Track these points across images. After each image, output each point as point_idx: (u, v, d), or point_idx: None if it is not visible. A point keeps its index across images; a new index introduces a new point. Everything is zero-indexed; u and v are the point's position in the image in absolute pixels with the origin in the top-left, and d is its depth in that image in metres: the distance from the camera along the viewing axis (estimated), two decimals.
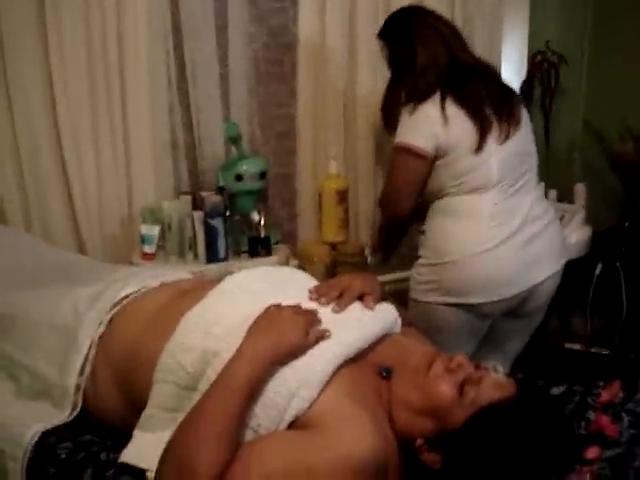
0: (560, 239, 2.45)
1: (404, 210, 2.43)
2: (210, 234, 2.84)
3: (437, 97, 2.27)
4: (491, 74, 2.41)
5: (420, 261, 2.40)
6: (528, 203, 2.33)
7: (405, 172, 2.35)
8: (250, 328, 1.45)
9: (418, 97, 2.29)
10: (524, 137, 2.36)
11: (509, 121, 2.30)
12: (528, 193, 2.35)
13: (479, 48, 2.96)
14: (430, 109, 2.26)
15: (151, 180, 3.08)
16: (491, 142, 2.27)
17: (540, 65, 3.35)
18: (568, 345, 3.21)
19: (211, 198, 2.88)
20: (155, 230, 2.90)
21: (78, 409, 1.67)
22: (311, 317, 1.50)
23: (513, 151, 2.31)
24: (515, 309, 2.37)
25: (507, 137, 2.29)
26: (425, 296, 2.37)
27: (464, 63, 2.35)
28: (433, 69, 2.31)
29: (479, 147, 2.25)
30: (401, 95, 2.41)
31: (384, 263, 2.87)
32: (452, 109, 2.25)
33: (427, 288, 2.36)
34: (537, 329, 2.58)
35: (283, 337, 1.41)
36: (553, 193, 3.22)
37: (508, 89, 2.41)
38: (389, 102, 2.57)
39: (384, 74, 3.04)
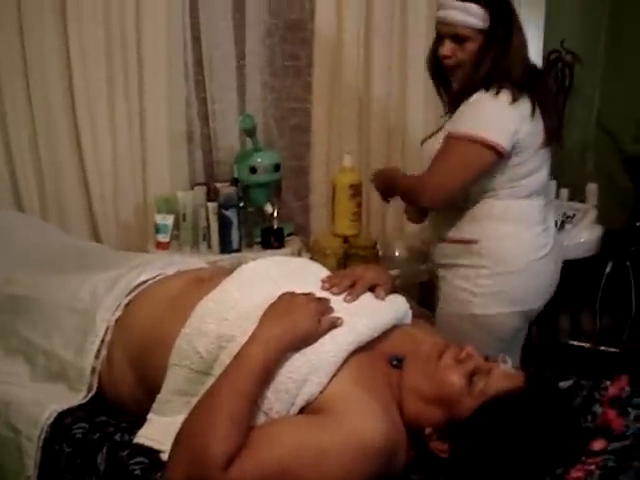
0: None
1: (446, 203, 2.20)
2: (224, 225, 2.87)
3: (520, 92, 2.10)
4: (544, 75, 2.37)
5: (477, 272, 2.22)
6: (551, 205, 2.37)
7: (472, 165, 2.12)
8: (264, 314, 1.48)
9: (505, 87, 2.08)
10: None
11: (557, 125, 2.27)
12: None
13: None
14: (518, 104, 2.09)
15: (166, 170, 3.11)
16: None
17: (555, 64, 3.36)
18: (577, 343, 3.22)
19: (225, 189, 2.91)
20: (169, 220, 2.93)
21: (93, 391, 1.70)
22: (324, 305, 1.53)
23: (551, 155, 2.27)
24: None
25: (552, 141, 2.22)
26: (488, 308, 2.23)
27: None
28: (523, 60, 2.15)
29: (541, 149, 2.18)
30: (480, 78, 2.14)
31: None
32: (530, 107, 2.11)
33: (492, 300, 2.22)
34: (546, 327, 2.60)
35: (296, 324, 1.44)
36: (565, 192, 3.24)
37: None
38: (473, 86, 2.15)
39: (400, 71, 3.08)
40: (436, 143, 2.22)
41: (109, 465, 1.51)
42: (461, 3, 2.13)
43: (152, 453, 1.48)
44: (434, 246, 2.37)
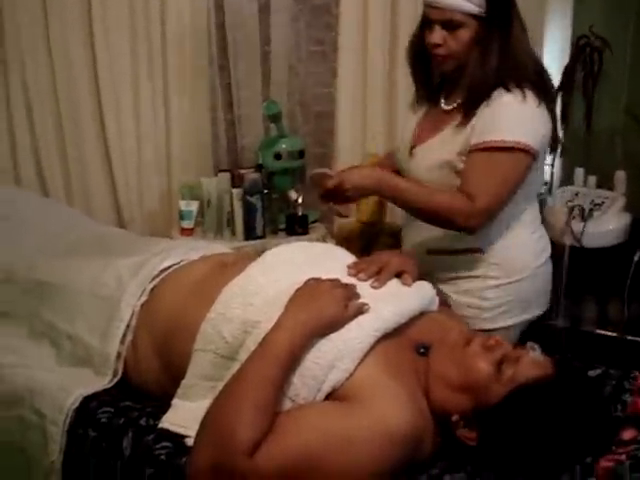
0: None
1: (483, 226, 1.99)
2: (248, 211, 2.87)
3: (539, 93, 1.95)
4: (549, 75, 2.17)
5: (484, 283, 2.08)
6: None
7: (516, 175, 1.95)
8: (290, 300, 1.47)
9: (526, 88, 1.93)
10: None
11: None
12: None
13: None
14: (542, 107, 1.95)
15: (191, 157, 3.11)
16: None
17: (583, 50, 3.32)
18: (604, 332, 3.18)
19: (250, 175, 2.90)
20: (194, 206, 2.93)
21: (119, 376, 1.70)
22: (350, 291, 1.52)
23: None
24: None
25: (556, 145, 2.15)
26: (498, 322, 2.09)
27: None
28: (528, 51, 1.99)
29: (551, 151, 2.11)
30: (491, 73, 1.95)
31: None
32: (546, 108, 1.99)
33: (501, 311, 2.09)
34: (573, 315, 2.55)
35: (322, 310, 1.43)
36: (593, 179, 3.19)
37: None
38: (487, 80, 1.96)
39: None
40: (442, 151, 2.03)
41: (134, 450, 1.51)
42: None
43: (177, 438, 1.48)
44: (420, 259, 2.00)
